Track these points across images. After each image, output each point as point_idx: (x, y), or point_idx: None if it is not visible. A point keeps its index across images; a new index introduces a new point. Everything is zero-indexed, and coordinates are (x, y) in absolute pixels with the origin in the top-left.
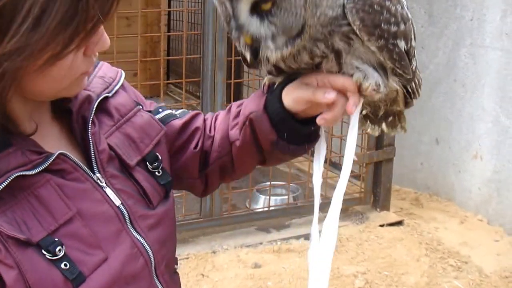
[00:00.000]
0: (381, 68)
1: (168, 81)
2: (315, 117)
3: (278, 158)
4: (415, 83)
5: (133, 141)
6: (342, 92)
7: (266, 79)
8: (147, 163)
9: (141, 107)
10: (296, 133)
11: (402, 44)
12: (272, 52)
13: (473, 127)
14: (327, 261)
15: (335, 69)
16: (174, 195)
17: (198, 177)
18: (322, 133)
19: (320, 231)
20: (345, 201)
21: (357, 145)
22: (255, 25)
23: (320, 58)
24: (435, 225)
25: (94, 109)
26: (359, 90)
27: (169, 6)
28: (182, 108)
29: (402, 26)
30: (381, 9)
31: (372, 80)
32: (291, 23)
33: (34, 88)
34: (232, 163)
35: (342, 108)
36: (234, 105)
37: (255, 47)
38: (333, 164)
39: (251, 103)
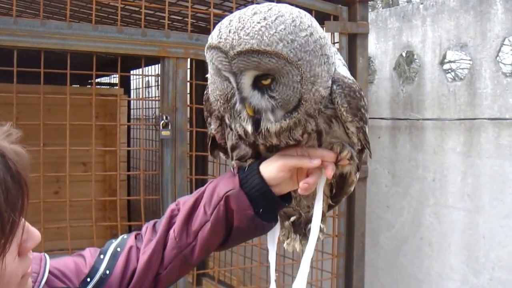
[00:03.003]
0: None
1: (128, 223)
2: (285, 195)
3: (240, 237)
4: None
5: None
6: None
7: (235, 163)
8: None
9: None
10: (270, 208)
11: (366, 129)
12: (272, 124)
13: (443, 285)
14: None
15: (314, 145)
16: None
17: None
18: (278, 220)
19: None
20: None
21: None
22: (256, 98)
23: (307, 135)
24: None
25: None
26: (337, 159)
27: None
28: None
29: (367, 115)
30: (360, 96)
31: (348, 149)
32: (289, 97)
33: None
34: (192, 252)
35: (319, 177)
36: (193, 198)
37: (256, 119)
38: None
39: (223, 184)
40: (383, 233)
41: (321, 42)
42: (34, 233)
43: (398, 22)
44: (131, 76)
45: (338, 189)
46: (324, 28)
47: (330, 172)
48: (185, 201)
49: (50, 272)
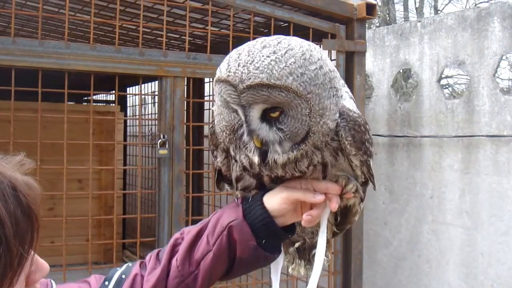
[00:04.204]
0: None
1: (123, 241)
2: (289, 226)
3: (243, 268)
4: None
5: None
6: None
7: (239, 193)
8: None
9: None
10: (273, 239)
11: (371, 162)
12: (279, 156)
13: None
14: None
15: (319, 177)
16: None
17: None
18: (282, 249)
19: None
20: None
21: None
22: (264, 131)
23: (312, 166)
24: None
25: None
26: (341, 192)
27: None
28: None
29: (372, 148)
30: (365, 130)
31: (354, 183)
32: (297, 130)
33: None
34: (194, 281)
35: (323, 210)
36: (197, 228)
37: (264, 150)
38: None
39: (226, 215)
40: (380, 250)
41: (330, 75)
42: (43, 265)
43: (396, 40)
44: (128, 93)
45: (343, 217)
46: (322, 46)
47: (334, 205)
48: (189, 231)
49: None
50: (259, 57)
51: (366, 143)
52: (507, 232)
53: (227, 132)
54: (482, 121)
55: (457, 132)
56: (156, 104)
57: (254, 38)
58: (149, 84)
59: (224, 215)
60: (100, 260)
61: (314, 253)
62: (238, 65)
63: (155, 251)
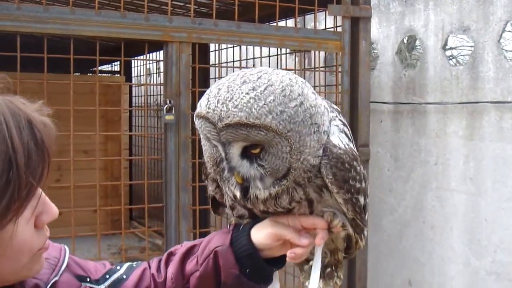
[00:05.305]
0: (344, 215)
1: (131, 206)
2: (277, 258)
3: None
4: (363, 235)
5: None
6: (311, 230)
7: (234, 220)
8: None
9: (88, 279)
10: (258, 270)
11: (361, 199)
12: (260, 191)
13: (445, 269)
14: None
15: (306, 212)
16: None
17: None
18: (276, 275)
19: None
20: None
21: None
22: (245, 167)
23: (296, 203)
24: None
25: None
26: (329, 227)
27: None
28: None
29: (363, 184)
30: (349, 167)
31: (340, 218)
32: (278, 166)
33: None
34: None
35: (311, 245)
36: (193, 245)
37: (245, 186)
38: None
39: (216, 239)
40: (385, 217)
41: (311, 111)
42: (51, 208)
43: (401, 6)
44: (132, 64)
45: (348, 245)
46: (327, 12)
47: (319, 241)
48: (186, 244)
49: (69, 261)
50: (238, 94)
51: (351, 181)
52: (511, 198)
53: (211, 163)
54: (487, 88)
55: (462, 99)
56: (161, 74)
57: (260, 6)
58: (154, 53)
59: (214, 238)
60: (108, 230)
61: (328, 271)
62: (217, 102)
63: (155, 258)
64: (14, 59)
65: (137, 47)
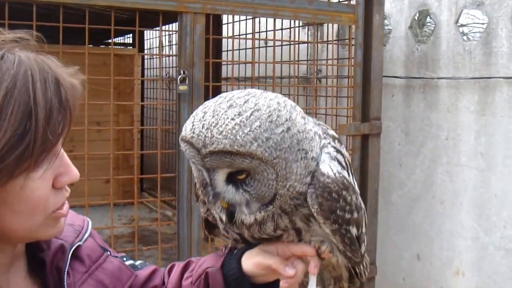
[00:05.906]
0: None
1: (143, 176)
2: (271, 282)
3: None
4: (363, 266)
5: (105, 287)
6: (302, 257)
7: (230, 243)
8: None
9: (109, 253)
10: None
11: (354, 230)
12: (246, 217)
13: (454, 243)
14: None
15: (295, 240)
16: None
17: None
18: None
19: None
20: None
21: None
22: (231, 193)
23: (282, 231)
24: None
25: (69, 260)
26: (318, 253)
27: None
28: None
29: (355, 214)
30: (338, 197)
31: (327, 244)
32: (264, 193)
33: (3, 224)
34: None
35: (303, 273)
36: (192, 260)
37: (231, 210)
38: None
39: (209, 260)
40: (395, 191)
41: (298, 137)
42: (72, 171)
43: None
44: (145, 37)
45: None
46: None
47: (313, 269)
48: (188, 261)
49: (92, 231)
50: (223, 119)
51: (338, 211)
52: None
53: (198, 185)
54: (500, 63)
55: (474, 74)
56: (173, 47)
57: None
58: (167, 26)
59: (208, 259)
60: (119, 199)
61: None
62: (202, 127)
63: (167, 268)
64: (29, 29)
65: (149, 20)
